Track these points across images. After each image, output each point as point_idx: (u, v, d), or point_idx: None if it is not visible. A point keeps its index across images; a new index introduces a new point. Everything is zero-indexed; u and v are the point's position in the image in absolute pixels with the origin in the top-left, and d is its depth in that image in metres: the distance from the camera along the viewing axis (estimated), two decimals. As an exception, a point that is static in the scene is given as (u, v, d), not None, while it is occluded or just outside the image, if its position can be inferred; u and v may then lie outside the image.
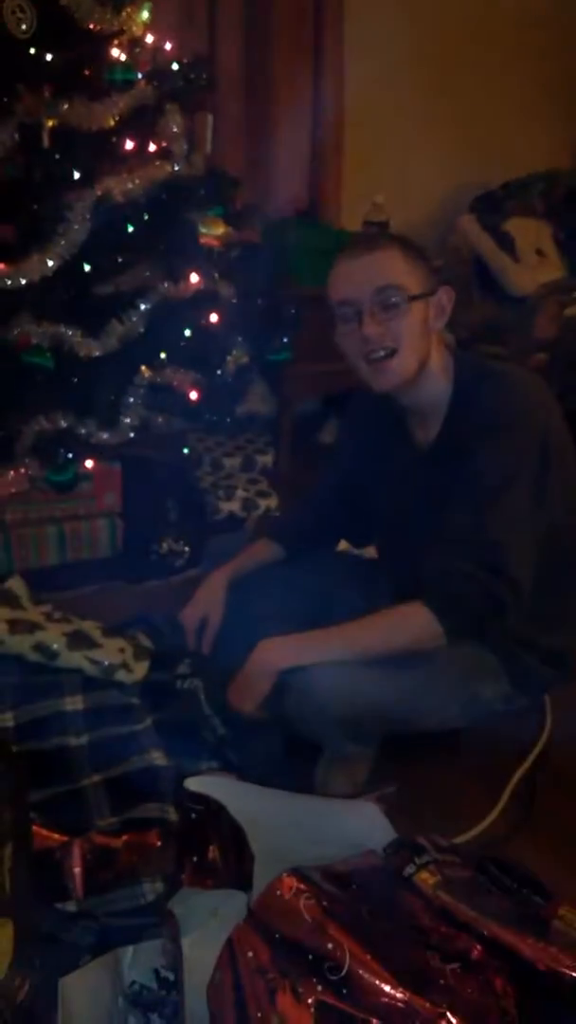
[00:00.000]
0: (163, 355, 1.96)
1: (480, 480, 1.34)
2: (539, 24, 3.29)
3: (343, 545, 1.82)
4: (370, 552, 1.78)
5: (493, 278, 2.98)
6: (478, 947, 0.94)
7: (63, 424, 1.86)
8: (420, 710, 1.41)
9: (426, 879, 1.01)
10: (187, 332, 1.97)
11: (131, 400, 1.91)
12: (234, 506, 2.50)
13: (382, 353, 1.34)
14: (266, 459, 2.77)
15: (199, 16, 2.60)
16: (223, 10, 2.63)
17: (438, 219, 3.26)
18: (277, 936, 0.84)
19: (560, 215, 3.13)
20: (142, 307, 1.91)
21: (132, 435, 1.93)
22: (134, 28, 1.94)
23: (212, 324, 2.03)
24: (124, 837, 1.22)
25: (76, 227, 1.82)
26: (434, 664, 1.38)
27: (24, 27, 1.74)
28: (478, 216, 3.08)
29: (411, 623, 1.34)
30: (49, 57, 1.80)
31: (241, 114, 2.75)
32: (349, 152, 2.98)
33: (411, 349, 1.35)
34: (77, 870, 1.17)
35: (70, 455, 1.90)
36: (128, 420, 1.91)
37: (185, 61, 2.05)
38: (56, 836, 1.20)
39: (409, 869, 1.02)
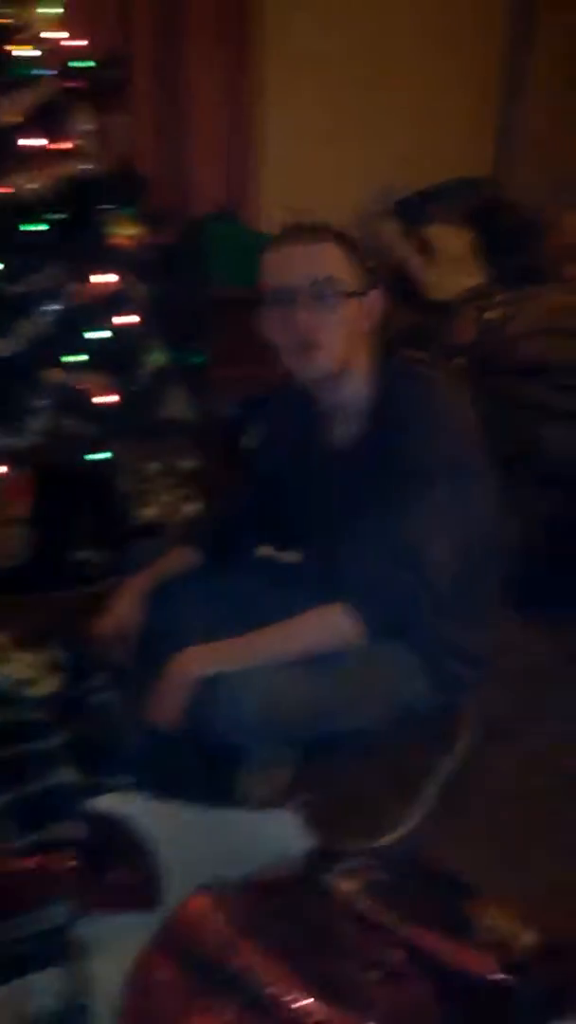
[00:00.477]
0: (75, 358, 1.91)
1: (400, 480, 1.33)
2: (461, 32, 3.35)
3: (265, 549, 1.80)
4: (292, 556, 1.76)
5: (413, 284, 3.01)
6: (399, 953, 0.92)
7: (-31, 430, 1.79)
8: (341, 713, 1.39)
9: (346, 886, 0.99)
10: (100, 334, 1.92)
11: (40, 404, 1.85)
12: (154, 512, 2.44)
13: (306, 347, 1.31)
14: (188, 464, 2.72)
15: (111, 13, 2.56)
16: (137, 7, 2.59)
17: (360, 224, 3.28)
18: (188, 956, 0.80)
19: (479, 221, 3.18)
20: (52, 307, 1.86)
21: (41, 440, 1.86)
22: (41, 24, 1.89)
23: (127, 326, 1.99)
24: (33, 860, 1.17)
25: (-20, 225, 1.76)
26: (354, 666, 1.37)
27: None
28: (399, 221, 3.11)
29: (332, 624, 1.32)
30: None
31: (156, 113, 2.71)
32: (269, 154, 2.97)
33: (339, 344, 1.33)
34: (-19, 896, 1.10)
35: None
36: (37, 425, 1.85)
37: (97, 58, 2.01)
38: (-42, 860, 1.13)
39: (328, 877, 0.99)
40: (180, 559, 1.64)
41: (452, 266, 2.99)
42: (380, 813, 1.38)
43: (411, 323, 2.81)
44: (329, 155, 3.09)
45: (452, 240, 3.04)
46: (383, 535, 1.32)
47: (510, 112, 3.60)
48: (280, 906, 0.90)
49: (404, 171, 3.27)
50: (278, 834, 1.05)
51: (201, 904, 0.83)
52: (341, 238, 1.34)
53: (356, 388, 1.39)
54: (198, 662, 1.32)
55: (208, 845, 1.00)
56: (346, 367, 1.36)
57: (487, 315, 2.85)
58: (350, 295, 1.31)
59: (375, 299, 1.37)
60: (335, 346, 1.32)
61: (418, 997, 0.85)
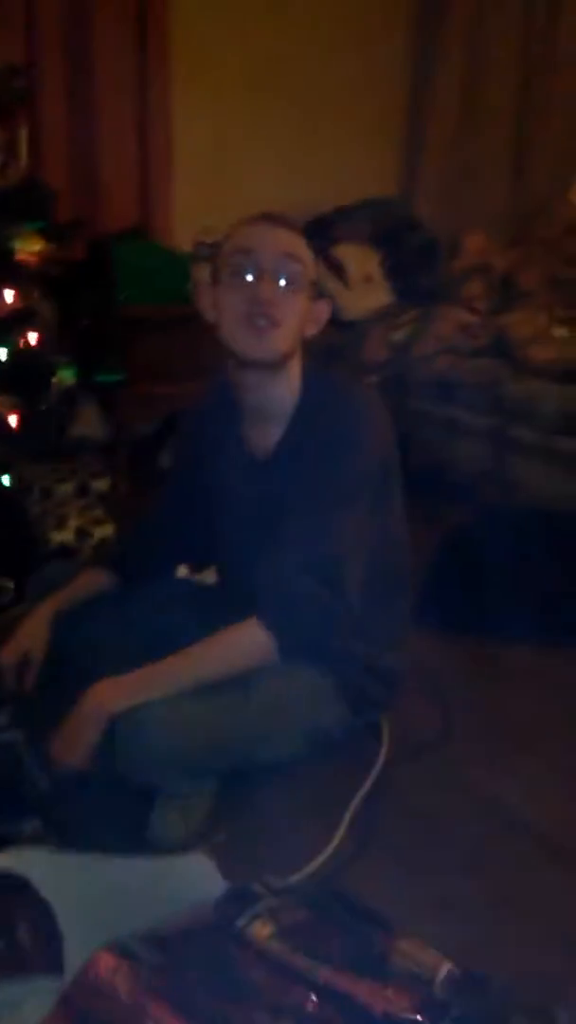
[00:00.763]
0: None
1: (320, 492, 1.32)
2: (366, 53, 3.39)
3: (182, 572, 1.75)
4: (210, 576, 1.73)
5: (325, 301, 3.02)
6: (312, 999, 0.89)
7: None
8: (256, 739, 1.37)
9: (259, 930, 0.96)
10: (3, 354, 1.86)
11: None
12: (67, 536, 2.37)
13: (263, 322, 1.29)
14: (101, 484, 2.65)
15: (16, 24, 2.49)
16: (42, 17, 2.53)
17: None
18: (92, 1021, 0.76)
19: (387, 241, 3.22)
20: (-48, 327, 1.79)
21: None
22: None
23: (32, 345, 1.93)
24: None
25: None
26: (271, 690, 1.35)
27: None
28: (308, 241, 3.11)
29: (243, 640, 1.31)
30: None
31: (64, 126, 2.65)
32: (180, 170, 2.95)
33: (291, 331, 1.32)
34: None
35: None
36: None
37: (-3, 69, 1.95)
38: None
39: (241, 921, 0.96)
40: (91, 582, 1.59)
41: (361, 286, 3.02)
42: (297, 844, 1.35)
43: (322, 343, 2.82)
44: (240, 173, 3.08)
45: (360, 260, 3.08)
46: (298, 548, 1.31)
47: (414, 132, 3.67)
48: (190, 957, 0.87)
49: (314, 192, 3.29)
50: (191, 879, 1.02)
51: (106, 964, 0.79)
52: (307, 238, 1.36)
53: (284, 390, 1.39)
54: (111, 697, 1.27)
55: (119, 896, 0.95)
56: (285, 361, 1.35)
57: (394, 335, 2.90)
58: (311, 283, 1.32)
59: (322, 309, 1.38)
60: (289, 329, 1.32)
61: (333, 1044, 0.83)
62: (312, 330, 1.37)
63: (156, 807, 1.34)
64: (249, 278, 1.30)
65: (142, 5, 2.72)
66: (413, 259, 3.18)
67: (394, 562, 1.48)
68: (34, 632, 1.51)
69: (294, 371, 1.39)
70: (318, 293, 1.37)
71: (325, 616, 1.31)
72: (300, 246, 1.33)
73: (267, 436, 1.42)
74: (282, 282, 1.30)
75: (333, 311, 3.03)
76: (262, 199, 3.14)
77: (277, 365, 1.35)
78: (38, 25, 2.55)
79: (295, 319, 1.32)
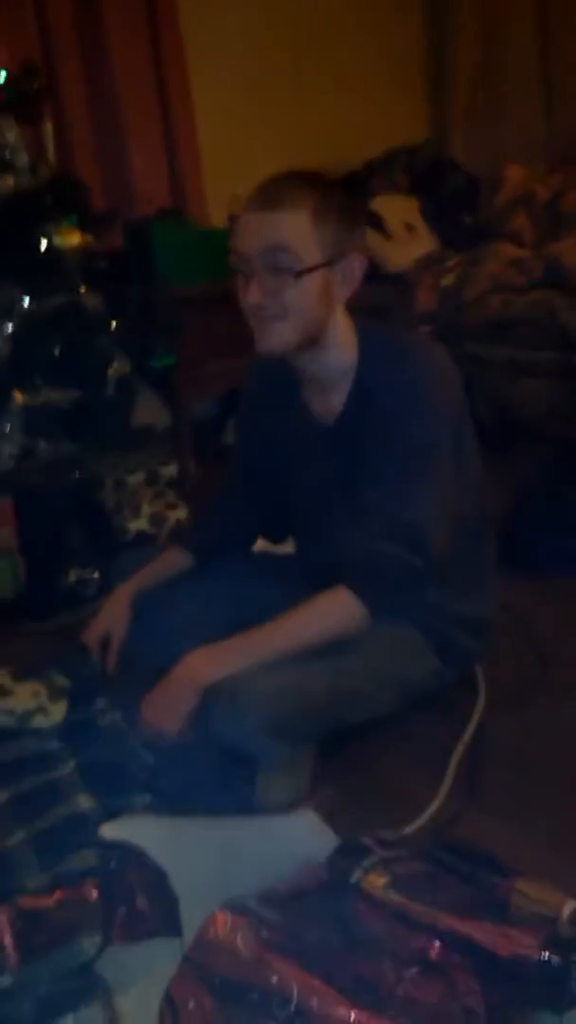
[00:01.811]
0: (36, 377, 1.87)
1: (396, 454, 1.29)
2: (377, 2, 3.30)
3: (260, 544, 1.75)
4: (288, 548, 1.72)
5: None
6: (435, 945, 0.89)
7: None
8: (351, 700, 1.36)
9: (374, 881, 0.96)
10: (57, 349, 1.88)
11: (7, 428, 1.81)
12: (142, 523, 2.40)
13: (261, 321, 1.27)
14: (169, 470, 2.68)
15: (29, 23, 2.50)
16: (52, 13, 2.53)
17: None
18: (217, 980, 0.77)
19: (424, 188, 3.13)
20: (6, 329, 1.82)
21: (14, 464, 1.82)
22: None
23: (84, 337, 1.95)
24: (56, 894, 1.13)
25: None
26: (360, 650, 1.34)
27: None
28: (326, 200, 3.06)
29: (335, 609, 1.29)
30: None
31: (87, 117, 2.66)
32: (206, 147, 2.93)
33: (299, 318, 1.26)
34: (7, 940, 1.07)
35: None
36: (7, 450, 1.81)
37: (14, 71, 1.96)
38: (-22, 907, 1.10)
39: (355, 875, 0.97)
40: (170, 562, 1.60)
41: (403, 236, 2.95)
42: (404, 799, 1.35)
43: (370, 297, 2.77)
44: (265, 140, 3.04)
45: (399, 210, 3.00)
46: (381, 514, 1.28)
47: (439, 75, 3.56)
48: (308, 913, 0.88)
49: (342, 149, 3.23)
50: (299, 837, 1.02)
51: (224, 923, 0.80)
52: (317, 199, 1.24)
53: (339, 356, 1.34)
54: (206, 667, 1.28)
55: (227, 858, 0.97)
56: (316, 337, 1.30)
57: (443, 282, 2.82)
58: (309, 269, 1.23)
59: (354, 264, 1.29)
60: (292, 321, 1.26)
61: (459, 989, 0.82)
62: (345, 292, 1.31)
63: (260, 771, 1.35)
64: (244, 276, 1.26)
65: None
66: (453, 201, 3.09)
67: (473, 510, 1.44)
68: (116, 612, 1.53)
69: (342, 337, 1.34)
70: (340, 253, 1.27)
71: (414, 579, 1.29)
72: (290, 227, 1.23)
73: (329, 403, 1.39)
74: (274, 276, 1.24)
75: (377, 264, 2.99)
76: (290, 162, 3.11)
77: (302, 347, 1.31)
78: (51, 23, 2.55)
79: (299, 305, 1.25)
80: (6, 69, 1.93)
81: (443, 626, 1.45)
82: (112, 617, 1.52)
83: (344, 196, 1.30)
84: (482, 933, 0.89)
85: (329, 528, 1.37)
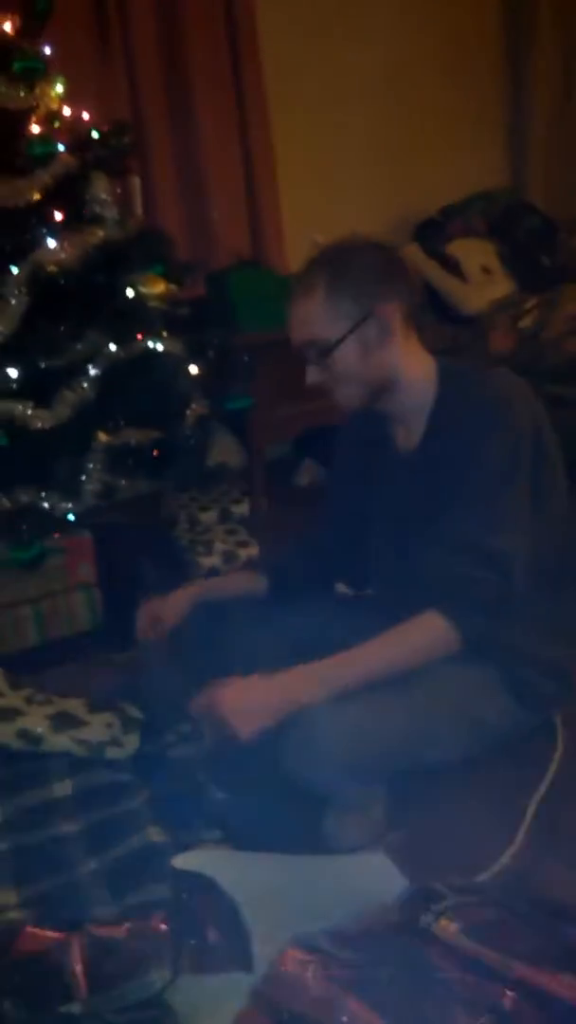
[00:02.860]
0: (119, 418, 1.94)
1: (474, 483, 1.31)
2: (460, 48, 3.36)
3: (341, 588, 1.75)
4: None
5: (444, 301, 2.99)
6: (509, 994, 0.86)
7: (23, 500, 1.82)
8: (426, 740, 1.34)
9: (446, 927, 0.94)
10: (140, 392, 1.95)
11: (91, 467, 1.87)
12: (215, 560, 2.44)
13: (326, 389, 1.38)
14: (242, 508, 2.73)
15: (119, 81, 2.64)
16: (142, 73, 2.67)
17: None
18: (286, 1016, 0.77)
19: (501, 232, 3.15)
20: (91, 372, 1.89)
21: (96, 502, 1.89)
22: (49, 102, 1.96)
23: (165, 381, 2.01)
24: (126, 925, 1.14)
25: (13, 302, 1.81)
26: (437, 689, 1.33)
27: None
28: (421, 244, 3.10)
29: (428, 631, 1.29)
30: (-34, 140, 1.82)
31: (173, 172, 2.77)
32: (285, 195, 3.01)
33: (352, 382, 1.36)
34: (78, 968, 1.08)
35: (35, 531, 1.85)
36: (90, 488, 1.88)
37: (106, 128, 2.07)
38: (51, 934, 1.11)
39: (427, 919, 0.95)
40: (242, 581, 1.63)
41: (479, 279, 2.96)
42: (477, 846, 1.32)
43: (446, 340, 2.78)
44: (345, 189, 3.12)
45: (476, 253, 3.02)
46: (461, 537, 1.29)
47: (518, 119, 3.59)
48: (379, 954, 0.86)
49: (421, 195, 3.28)
50: (371, 878, 1.01)
51: (296, 959, 0.79)
52: (325, 277, 1.32)
53: (414, 392, 1.40)
54: (307, 688, 1.26)
55: (298, 896, 0.96)
56: (383, 386, 1.37)
57: (520, 323, 2.82)
58: (337, 343, 1.32)
59: (382, 317, 1.33)
60: (346, 388, 1.37)
61: (536, 1041, 0.80)
62: (388, 340, 1.34)
63: (330, 812, 1.35)
64: None
65: (234, 45, 2.82)
66: (531, 244, 3.10)
67: (557, 547, 1.42)
68: (174, 602, 1.56)
69: (414, 376, 1.39)
70: (365, 313, 1.31)
71: (502, 603, 1.30)
72: (312, 315, 1.32)
73: (411, 434, 1.44)
74: (315, 360, 1.35)
75: (454, 307, 3.01)
76: (369, 209, 3.18)
77: (372, 401, 1.39)
78: (140, 82, 2.68)
79: (346, 374, 1.35)
80: (98, 128, 2.04)
81: (521, 668, 1.42)
82: (169, 606, 1.55)
83: (365, 259, 1.36)
84: (557, 984, 0.86)
85: (407, 558, 1.38)
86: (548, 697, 1.48)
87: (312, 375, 1.37)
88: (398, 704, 1.29)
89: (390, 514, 1.47)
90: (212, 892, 0.91)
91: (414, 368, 1.39)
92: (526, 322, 2.80)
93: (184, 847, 1.28)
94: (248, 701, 1.25)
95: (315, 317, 1.33)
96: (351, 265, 1.35)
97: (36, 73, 1.91)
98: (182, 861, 0.99)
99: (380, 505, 1.50)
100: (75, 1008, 1.05)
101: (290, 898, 0.94)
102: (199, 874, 0.94)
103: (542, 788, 1.45)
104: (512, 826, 1.36)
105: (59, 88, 1.97)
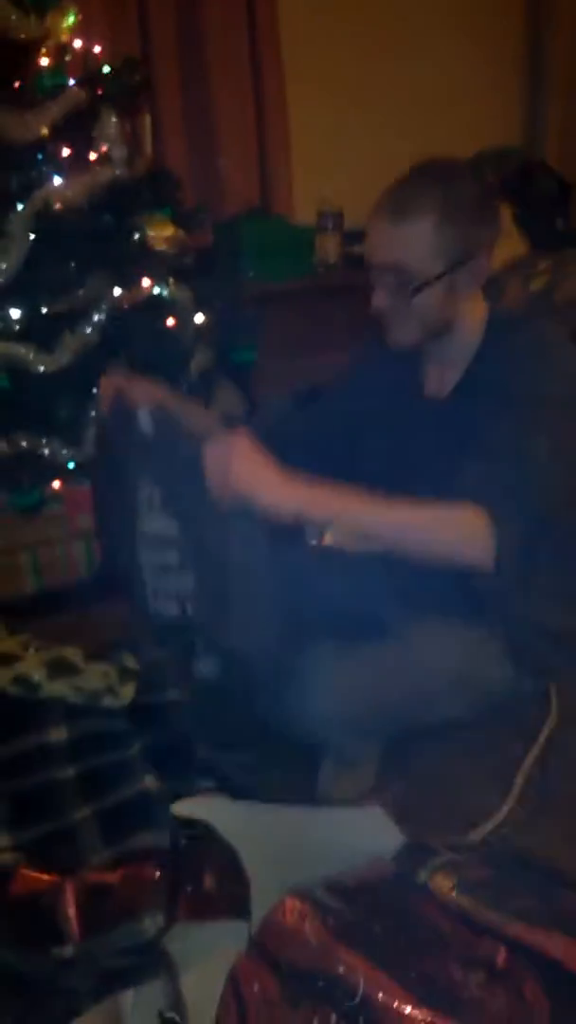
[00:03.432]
0: (122, 365, 1.90)
1: (510, 410, 1.21)
2: (479, 5, 3.26)
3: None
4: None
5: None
6: (503, 952, 0.87)
7: (23, 445, 1.79)
8: (425, 698, 1.34)
9: (441, 883, 0.95)
10: (144, 339, 1.91)
11: (92, 414, 1.84)
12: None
13: (388, 319, 1.29)
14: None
15: (130, 17, 2.55)
16: (154, 9, 2.58)
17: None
18: (283, 965, 0.77)
19: (515, 191, 3.08)
20: (95, 317, 1.85)
21: (98, 452, 1.86)
22: (60, 34, 1.89)
23: (170, 329, 1.98)
24: (120, 871, 1.15)
25: (18, 240, 1.77)
26: (435, 653, 1.32)
27: (-57, 39, 1.68)
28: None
29: (465, 522, 1.14)
30: (-27, 68, 1.75)
31: (181, 113, 2.69)
32: (297, 144, 2.93)
33: (420, 322, 1.28)
34: (72, 911, 1.09)
35: (35, 477, 1.83)
36: (91, 436, 1.85)
37: (117, 63, 2.00)
38: (46, 877, 1.12)
39: (422, 874, 0.95)
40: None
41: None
42: (470, 805, 1.33)
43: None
44: (356, 142, 3.04)
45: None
46: (513, 454, 1.17)
47: (535, 76, 3.50)
48: (375, 907, 0.87)
49: (433, 149, 3.18)
50: (367, 831, 1.01)
51: (293, 909, 0.80)
52: (441, 206, 1.21)
53: (461, 339, 1.32)
54: (321, 510, 1.14)
55: (295, 845, 0.96)
56: (442, 330, 1.30)
57: (532, 285, 2.77)
58: (423, 285, 1.23)
59: (479, 264, 1.26)
60: (411, 325, 1.28)
61: (527, 999, 0.80)
62: (472, 288, 1.29)
63: (323, 767, 1.35)
64: (371, 278, 1.29)
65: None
66: (545, 205, 3.03)
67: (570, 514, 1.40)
68: (145, 390, 1.39)
69: (469, 321, 1.32)
70: (466, 256, 1.24)
71: (538, 529, 1.20)
72: (410, 242, 1.22)
73: (444, 379, 1.37)
74: (393, 287, 1.25)
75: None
76: (381, 161, 3.10)
77: (423, 342, 1.31)
78: (151, 19, 2.60)
79: (419, 313, 1.26)
80: (109, 63, 1.97)
81: (525, 635, 1.41)
82: (140, 390, 1.39)
83: (476, 192, 1.27)
84: (552, 944, 0.86)
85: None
86: (550, 665, 1.48)
87: (380, 300, 1.26)
88: (399, 662, 1.29)
89: (402, 452, 1.39)
90: (210, 839, 0.91)
91: (473, 315, 1.32)
92: (538, 284, 2.75)
93: (177, 796, 1.28)
94: (264, 476, 1.11)
95: (415, 244, 1.21)
96: (465, 198, 1.24)
97: (48, 3, 1.84)
98: (179, 808, 0.98)
99: (390, 440, 1.42)
100: (67, 951, 1.06)
101: (287, 847, 0.94)
102: (197, 821, 0.94)
103: (535, 750, 1.46)
104: (505, 786, 1.37)
105: (70, 20, 1.89)
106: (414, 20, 3.14)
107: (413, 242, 1.22)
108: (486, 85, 3.37)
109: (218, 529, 1.23)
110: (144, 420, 1.36)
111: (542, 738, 1.49)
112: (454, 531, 1.16)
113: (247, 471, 1.11)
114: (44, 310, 1.82)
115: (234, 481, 1.11)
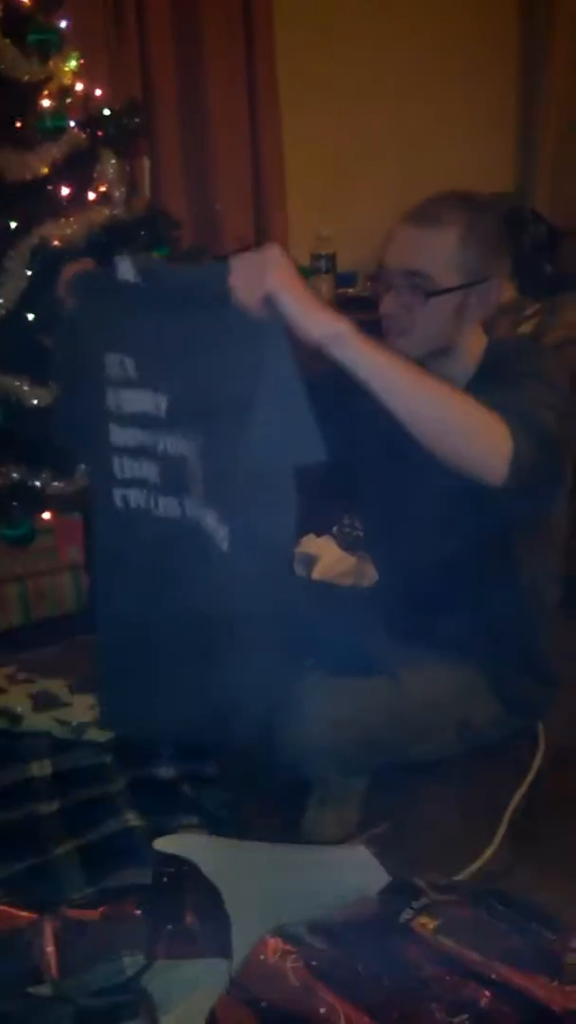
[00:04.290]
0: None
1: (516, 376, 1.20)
2: (473, 49, 3.35)
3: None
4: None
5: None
6: (487, 993, 0.86)
7: (15, 477, 1.80)
8: (411, 737, 1.34)
9: (425, 923, 0.94)
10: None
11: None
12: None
13: (390, 332, 1.28)
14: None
15: (131, 61, 2.61)
16: (155, 55, 2.64)
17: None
18: (264, 1005, 0.76)
19: (506, 237, 3.14)
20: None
21: (87, 483, 1.87)
22: (63, 77, 1.94)
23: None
24: (100, 909, 1.13)
25: (16, 276, 1.79)
26: (424, 688, 1.33)
27: (-52, 81, 1.72)
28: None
29: (488, 418, 1.08)
30: (-24, 109, 1.79)
31: (180, 156, 2.75)
32: (293, 187, 2.99)
33: (424, 335, 1.27)
34: (50, 949, 1.07)
35: (26, 509, 1.84)
36: (82, 467, 1.85)
37: (117, 107, 2.05)
38: (25, 915, 1.10)
39: (406, 914, 0.94)
40: None
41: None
42: (456, 844, 1.32)
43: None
44: (351, 183, 3.10)
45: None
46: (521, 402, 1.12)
47: (527, 125, 3.59)
48: (357, 947, 0.86)
49: (427, 192, 3.26)
50: (352, 870, 1.00)
51: (275, 948, 0.79)
52: (469, 219, 1.25)
53: (458, 366, 1.31)
54: (346, 333, 1.01)
55: (279, 884, 0.95)
56: (442, 350, 1.29)
57: (521, 328, 2.82)
58: (437, 292, 1.24)
59: (490, 289, 1.28)
60: (417, 338, 1.27)
61: (511, 1040, 0.80)
62: (479, 314, 1.30)
63: (310, 804, 1.34)
64: (381, 286, 1.29)
65: (248, 34, 2.80)
66: (534, 251, 3.09)
67: (557, 540, 1.41)
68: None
69: (468, 350, 1.32)
70: (481, 277, 1.26)
71: (553, 467, 1.16)
72: (436, 248, 1.24)
73: None
74: (410, 293, 1.26)
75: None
76: (374, 205, 3.17)
77: (426, 357, 1.27)
78: (151, 60, 2.66)
79: (427, 323, 1.26)
80: (109, 106, 2.02)
81: (510, 671, 1.42)
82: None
83: (497, 222, 1.31)
84: (535, 986, 0.86)
85: (406, 516, 1.34)
86: (536, 703, 1.49)
87: (391, 305, 1.27)
88: (387, 697, 1.29)
89: (393, 467, 1.34)
90: (192, 876, 0.90)
91: (474, 344, 1.33)
92: (526, 328, 2.80)
93: (161, 833, 1.27)
94: (302, 289, 1.02)
95: (438, 251, 1.24)
96: (488, 222, 1.28)
97: (51, 46, 1.88)
98: (164, 844, 0.97)
99: (386, 466, 1.38)
100: (44, 990, 1.04)
101: (270, 886, 0.94)
102: (179, 858, 0.93)
103: (521, 790, 1.45)
104: (491, 826, 1.36)
105: (73, 63, 1.94)
106: (410, 67, 3.23)
107: (437, 248, 1.25)
108: (479, 131, 3.46)
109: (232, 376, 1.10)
110: (125, 267, 1.18)
111: (529, 776, 1.49)
112: (478, 418, 1.08)
113: (285, 275, 1.02)
114: (40, 344, 1.83)
115: (270, 282, 1.00)
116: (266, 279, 1.00)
